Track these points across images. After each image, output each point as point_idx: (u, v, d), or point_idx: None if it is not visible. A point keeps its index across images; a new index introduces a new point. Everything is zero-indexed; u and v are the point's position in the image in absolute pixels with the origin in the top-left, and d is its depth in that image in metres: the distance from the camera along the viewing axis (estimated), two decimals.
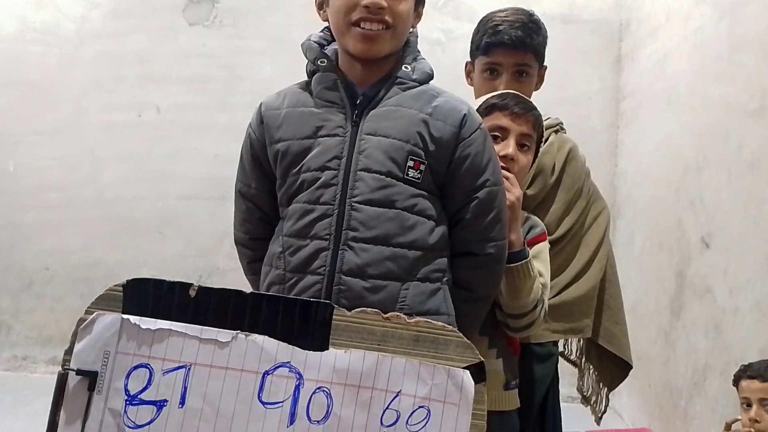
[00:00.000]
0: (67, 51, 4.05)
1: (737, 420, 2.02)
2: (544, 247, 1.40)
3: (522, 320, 1.26)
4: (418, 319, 0.72)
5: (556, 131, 1.68)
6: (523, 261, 1.22)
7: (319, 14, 1.24)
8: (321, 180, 1.15)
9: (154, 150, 4.03)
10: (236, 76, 4.04)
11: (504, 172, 1.24)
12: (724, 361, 2.59)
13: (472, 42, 1.62)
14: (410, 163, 1.16)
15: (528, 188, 1.53)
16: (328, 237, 1.10)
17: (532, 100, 1.50)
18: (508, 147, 1.31)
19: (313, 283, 1.03)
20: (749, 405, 1.91)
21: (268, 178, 1.25)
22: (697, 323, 2.86)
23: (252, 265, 1.26)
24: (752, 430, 1.87)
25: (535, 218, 1.43)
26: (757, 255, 2.42)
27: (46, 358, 4.01)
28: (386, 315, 0.72)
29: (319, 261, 1.07)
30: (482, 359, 0.71)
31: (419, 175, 1.16)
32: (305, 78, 1.26)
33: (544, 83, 1.69)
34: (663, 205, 3.28)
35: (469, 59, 1.64)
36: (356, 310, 0.72)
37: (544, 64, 1.65)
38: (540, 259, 1.37)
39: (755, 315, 2.41)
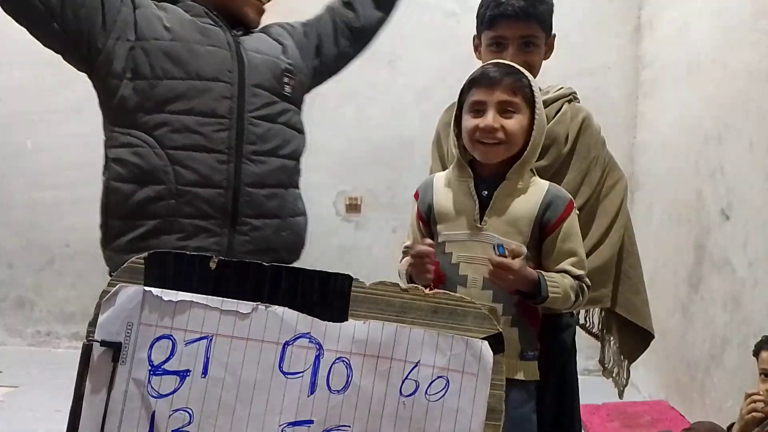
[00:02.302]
0: None
1: (757, 393, 2.02)
2: (572, 221, 1.39)
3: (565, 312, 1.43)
4: (436, 290, 0.72)
5: (569, 101, 1.67)
6: (544, 298, 1.28)
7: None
8: (214, 92, 1.16)
9: None
10: None
11: (501, 260, 1.22)
12: (742, 333, 2.57)
13: (477, 16, 1.62)
14: (285, 80, 1.28)
15: (541, 159, 1.52)
16: (227, 150, 1.15)
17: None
18: (487, 118, 1.32)
19: (216, 195, 1.15)
20: (767, 376, 1.92)
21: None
22: (715, 296, 2.85)
23: None
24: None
25: (554, 190, 1.41)
26: None
27: (69, 333, 4.09)
28: (404, 287, 0.73)
29: (219, 174, 1.14)
30: (500, 330, 0.71)
31: (291, 91, 1.31)
32: None
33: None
34: (682, 177, 3.24)
35: (476, 34, 1.63)
36: (374, 282, 0.73)
37: (553, 32, 1.64)
38: (571, 236, 1.37)
39: None
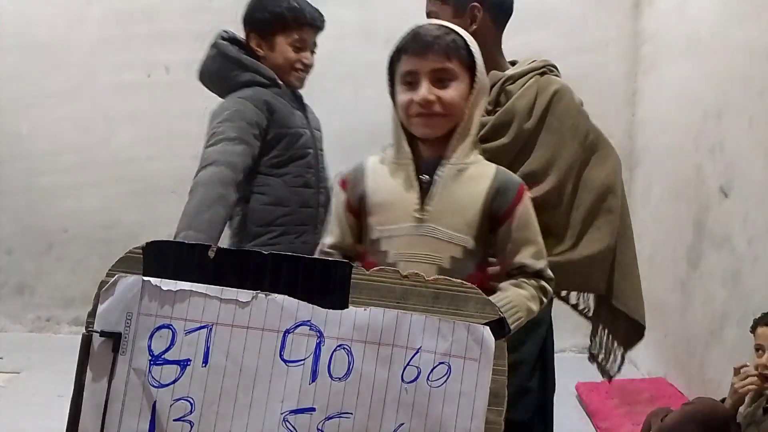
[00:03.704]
0: (75, 10, 4.01)
1: (745, 366, 2.06)
2: (526, 207, 1.24)
3: None
4: (436, 276, 0.72)
5: (542, 74, 1.56)
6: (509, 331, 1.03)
7: None
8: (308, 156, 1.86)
9: (166, 109, 4.02)
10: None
11: None
12: (741, 310, 2.58)
13: None
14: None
15: (501, 137, 1.45)
16: (314, 186, 1.87)
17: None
18: (421, 90, 1.18)
19: (312, 212, 1.85)
20: (762, 351, 1.94)
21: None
22: (714, 273, 2.85)
23: None
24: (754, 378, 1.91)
25: (502, 174, 1.26)
26: None
27: (69, 318, 4.09)
28: (405, 273, 0.72)
29: (313, 199, 1.85)
30: (503, 315, 0.71)
31: None
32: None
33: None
34: (682, 154, 3.23)
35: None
36: (374, 269, 0.72)
37: (474, 3, 1.53)
38: (527, 224, 1.23)
39: None
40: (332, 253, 1.25)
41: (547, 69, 1.58)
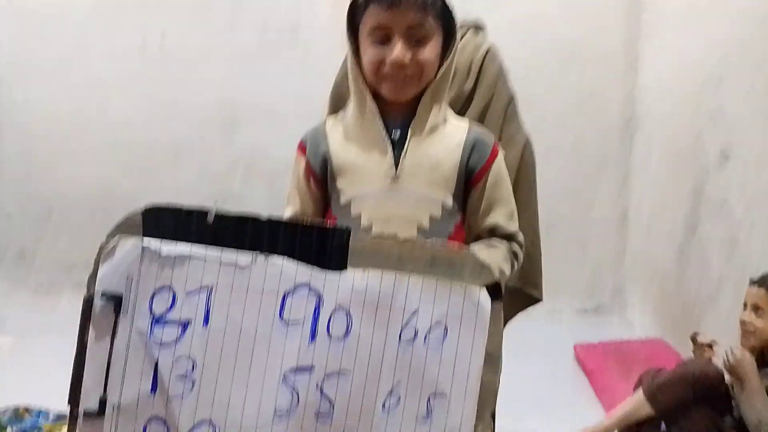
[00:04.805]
0: None
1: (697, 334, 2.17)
2: (501, 164, 1.18)
3: None
4: (434, 240, 0.73)
5: (476, 30, 1.50)
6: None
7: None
8: None
9: (161, 76, 4.00)
10: None
11: None
12: (738, 274, 2.61)
13: None
14: None
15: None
16: None
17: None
18: (396, 50, 1.06)
19: None
20: (745, 308, 2.04)
21: None
22: (712, 238, 2.87)
23: None
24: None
25: (476, 128, 1.20)
26: None
27: (72, 284, 4.12)
28: (402, 239, 0.73)
29: None
30: (499, 279, 0.72)
31: None
32: None
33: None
34: (682, 119, 3.23)
35: None
36: (373, 234, 0.73)
37: None
38: (502, 183, 1.17)
39: None
40: None
41: (476, 26, 1.52)
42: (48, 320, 3.65)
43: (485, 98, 1.44)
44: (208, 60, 3.95)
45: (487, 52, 1.48)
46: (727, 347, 2.03)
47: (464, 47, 1.45)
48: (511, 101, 1.51)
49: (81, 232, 4.07)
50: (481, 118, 1.43)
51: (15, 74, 4.01)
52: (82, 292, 0.80)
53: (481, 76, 1.45)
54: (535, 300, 1.64)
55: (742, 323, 2.05)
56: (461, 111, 1.38)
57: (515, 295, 1.60)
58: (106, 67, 3.97)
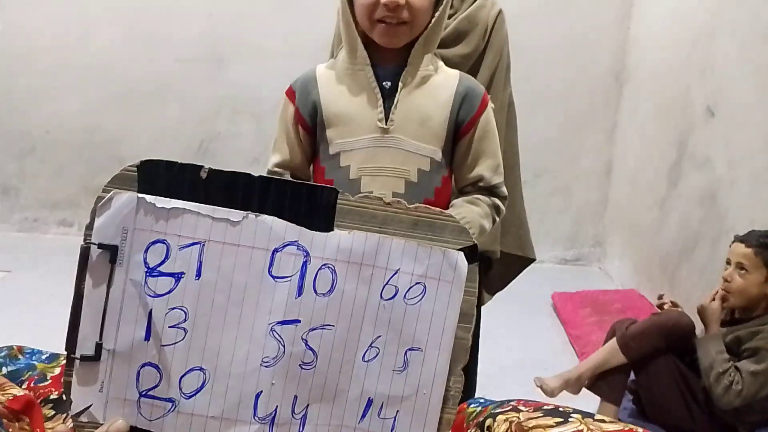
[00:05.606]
0: None
1: (661, 297, 2.26)
2: (489, 116, 1.18)
3: None
4: (417, 204, 0.76)
5: None
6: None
7: None
8: None
9: (145, 10, 3.91)
10: None
11: None
12: (715, 230, 2.67)
13: None
14: None
15: (460, 45, 1.40)
16: None
17: None
18: None
19: None
20: (729, 264, 2.07)
21: None
22: (693, 192, 2.93)
23: None
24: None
25: (466, 80, 1.19)
26: (760, 126, 2.43)
27: (57, 219, 4.14)
28: (387, 201, 0.76)
29: None
30: (476, 242, 0.76)
31: None
32: None
33: None
34: (671, 73, 3.23)
35: None
36: (359, 195, 0.76)
37: None
38: (489, 134, 1.17)
39: (751, 186, 2.46)
40: (279, 172, 1.17)
41: None
42: (34, 256, 3.69)
43: (494, 60, 1.47)
44: None
45: (499, 13, 1.50)
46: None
47: (483, 4, 1.46)
48: (508, 68, 1.54)
49: (65, 168, 4.06)
50: (490, 80, 1.46)
51: None
52: (67, 229, 0.83)
53: (492, 37, 1.47)
54: (531, 260, 1.72)
55: (725, 280, 2.08)
56: (473, 68, 1.41)
57: (513, 260, 1.67)
58: None
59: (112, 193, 0.77)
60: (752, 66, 2.49)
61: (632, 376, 2.20)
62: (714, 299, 2.07)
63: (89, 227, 0.77)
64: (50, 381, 1.07)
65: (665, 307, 2.22)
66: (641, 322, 2.19)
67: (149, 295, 0.76)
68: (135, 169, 0.77)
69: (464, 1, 1.48)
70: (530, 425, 0.77)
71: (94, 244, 0.76)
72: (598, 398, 2.21)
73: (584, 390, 2.23)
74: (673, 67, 3.20)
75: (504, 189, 1.21)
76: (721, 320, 2.08)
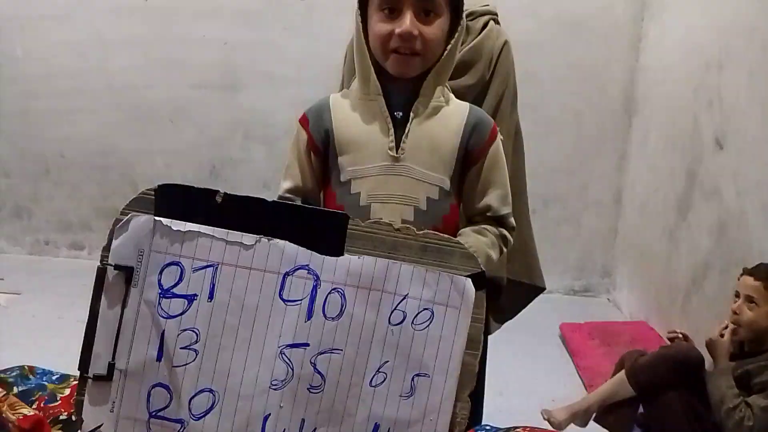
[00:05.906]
0: None
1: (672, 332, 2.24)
2: (498, 148, 1.19)
3: None
4: (426, 231, 0.77)
5: (495, 20, 1.54)
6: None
7: None
8: None
9: (162, 36, 3.97)
10: None
11: None
12: (725, 261, 2.66)
13: None
14: None
15: (465, 76, 1.42)
16: None
17: None
18: (405, 22, 1.08)
19: None
20: (738, 297, 2.05)
21: None
22: (702, 223, 2.92)
23: None
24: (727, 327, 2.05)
25: (476, 111, 1.21)
26: None
27: (68, 242, 4.16)
28: (397, 227, 0.78)
29: None
30: (484, 269, 0.77)
31: None
32: None
33: None
34: (680, 103, 3.25)
35: None
36: (369, 221, 0.78)
37: None
38: (498, 165, 1.19)
39: (760, 218, 2.46)
40: (291, 198, 1.15)
41: (496, 17, 1.56)
42: (44, 278, 3.70)
43: (500, 89, 1.48)
44: (209, 22, 3.93)
45: (505, 43, 1.51)
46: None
47: (488, 35, 1.48)
48: (515, 96, 1.55)
49: (78, 191, 4.10)
50: (496, 107, 1.47)
51: (14, 28, 3.99)
52: (78, 252, 0.84)
53: (498, 67, 1.48)
54: (541, 289, 1.71)
55: (734, 313, 2.06)
56: (479, 97, 1.42)
57: (521, 288, 1.67)
58: (107, 23, 3.94)
59: (130, 215, 0.79)
60: (761, 98, 2.51)
61: (641, 408, 2.18)
62: (722, 334, 2.05)
63: (106, 248, 0.78)
64: (60, 401, 1.08)
65: (676, 340, 2.20)
66: (650, 354, 2.17)
67: (162, 316, 0.78)
68: (153, 192, 0.79)
69: (470, 33, 1.50)
70: None
71: (111, 265, 0.78)
72: (606, 431, 2.19)
73: (592, 422, 2.21)
74: (681, 97, 3.22)
75: (512, 220, 1.22)
76: (730, 353, 2.06)
